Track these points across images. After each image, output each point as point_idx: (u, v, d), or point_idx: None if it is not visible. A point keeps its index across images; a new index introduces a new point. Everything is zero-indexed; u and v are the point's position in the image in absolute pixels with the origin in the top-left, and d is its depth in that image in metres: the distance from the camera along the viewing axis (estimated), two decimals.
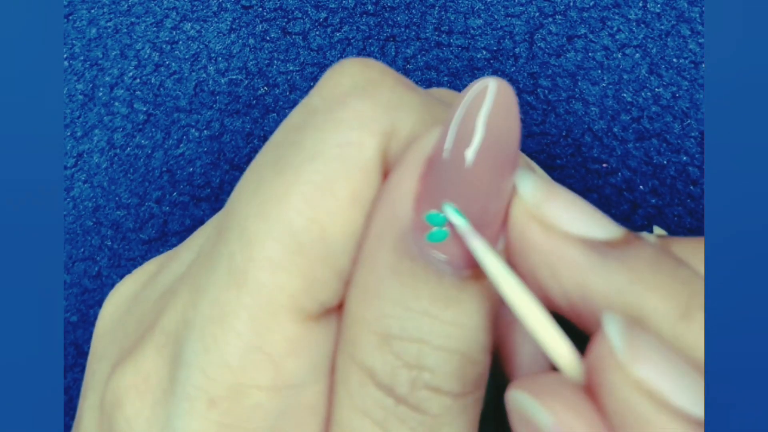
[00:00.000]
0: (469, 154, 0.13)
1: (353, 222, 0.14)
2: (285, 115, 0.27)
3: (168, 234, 0.26)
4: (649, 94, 0.26)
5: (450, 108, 0.13)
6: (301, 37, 0.27)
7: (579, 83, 0.26)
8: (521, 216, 0.13)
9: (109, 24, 0.28)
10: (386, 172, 0.14)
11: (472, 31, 0.27)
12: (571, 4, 0.27)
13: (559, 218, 0.13)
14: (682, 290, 0.12)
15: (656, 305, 0.12)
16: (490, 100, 0.13)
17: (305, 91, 0.27)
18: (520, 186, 0.14)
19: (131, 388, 0.14)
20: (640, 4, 0.27)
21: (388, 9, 0.27)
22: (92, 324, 0.26)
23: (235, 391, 0.13)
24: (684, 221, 0.25)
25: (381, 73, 0.14)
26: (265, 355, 0.13)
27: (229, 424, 0.14)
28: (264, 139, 0.27)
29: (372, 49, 0.27)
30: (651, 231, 0.26)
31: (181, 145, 0.27)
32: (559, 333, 0.13)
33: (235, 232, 0.14)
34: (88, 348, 0.26)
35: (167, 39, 0.28)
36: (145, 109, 0.27)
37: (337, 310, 0.14)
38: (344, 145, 0.13)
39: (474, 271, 0.13)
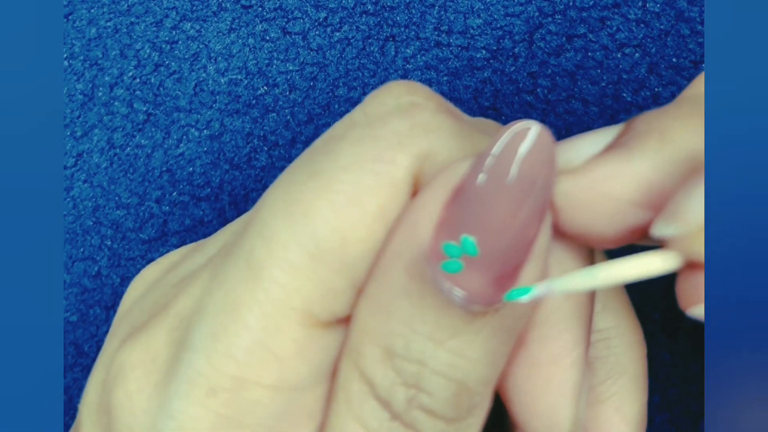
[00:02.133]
0: (498, 188, 0.13)
1: (375, 236, 0.14)
2: (285, 115, 0.27)
3: (168, 234, 0.26)
4: (648, 93, 0.26)
5: (488, 140, 0.13)
6: (300, 37, 0.27)
7: (578, 83, 0.26)
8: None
9: (108, 24, 0.28)
10: (416, 193, 0.14)
11: (471, 31, 0.27)
12: (571, 3, 0.27)
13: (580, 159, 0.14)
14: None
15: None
16: (530, 140, 0.13)
17: (305, 91, 0.27)
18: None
19: (138, 365, 0.14)
20: (640, 4, 0.27)
21: (387, 9, 0.27)
22: (92, 324, 0.26)
23: (237, 384, 0.13)
24: None
25: (425, 97, 0.14)
26: (271, 354, 0.13)
27: (226, 416, 0.14)
28: (264, 139, 0.27)
29: (372, 48, 0.27)
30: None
31: (181, 145, 0.27)
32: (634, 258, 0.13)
33: (257, 227, 0.14)
34: (88, 348, 0.26)
35: (167, 39, 0.28)
36: (144, 108, 0.27)
37: (346, 320, 0.14)
38: (378, 161, 0.13)
39: (484, 307, 0.13)
